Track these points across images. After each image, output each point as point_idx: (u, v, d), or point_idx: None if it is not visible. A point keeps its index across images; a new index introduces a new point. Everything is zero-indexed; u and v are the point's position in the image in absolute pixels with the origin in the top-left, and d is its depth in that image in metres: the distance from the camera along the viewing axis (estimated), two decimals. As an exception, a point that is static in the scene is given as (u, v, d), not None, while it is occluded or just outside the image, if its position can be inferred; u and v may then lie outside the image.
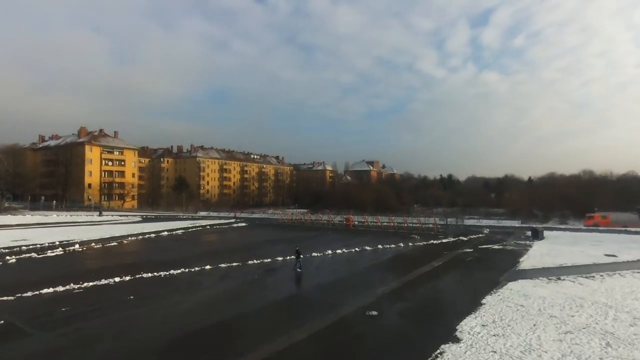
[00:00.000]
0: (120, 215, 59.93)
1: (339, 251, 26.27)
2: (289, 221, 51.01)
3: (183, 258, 23.01)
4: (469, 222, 53.30)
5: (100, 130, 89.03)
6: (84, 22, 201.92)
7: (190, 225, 46.29)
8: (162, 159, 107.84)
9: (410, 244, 30.44)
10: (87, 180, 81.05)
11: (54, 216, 55.42)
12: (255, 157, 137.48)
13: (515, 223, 48.47)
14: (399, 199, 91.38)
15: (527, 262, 22.58)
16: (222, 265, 20.55)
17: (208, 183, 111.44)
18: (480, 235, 37.27)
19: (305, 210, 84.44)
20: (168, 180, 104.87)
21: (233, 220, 55.58)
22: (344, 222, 47.05)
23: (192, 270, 19.20)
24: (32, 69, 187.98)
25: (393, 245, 29.19)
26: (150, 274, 17.79)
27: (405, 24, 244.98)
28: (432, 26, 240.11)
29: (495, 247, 29.59)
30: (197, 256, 23.81)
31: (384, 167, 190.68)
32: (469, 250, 27.69)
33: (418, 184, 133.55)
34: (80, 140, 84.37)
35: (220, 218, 61.21)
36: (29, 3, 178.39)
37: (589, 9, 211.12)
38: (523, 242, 31.96)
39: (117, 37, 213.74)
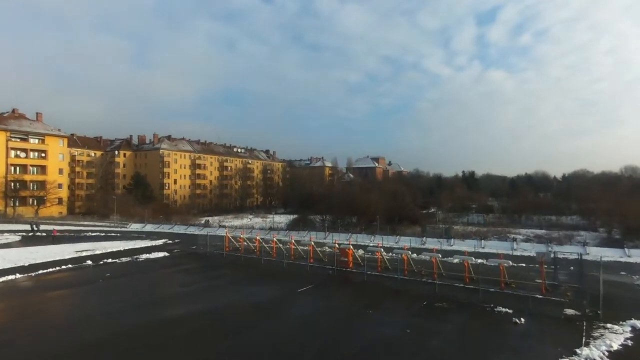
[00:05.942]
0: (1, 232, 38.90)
1: None
2: (241, 249, 29.08)
3: None
4: (556, 247, 32.03)
5: (14, 110, 65.11)
6: (92, 22, 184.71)
7: (72, 256, 26.16)
8: (117, 152, 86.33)
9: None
10: (-16, 178, 58.67)
11: None
12: (240, 150, 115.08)
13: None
14: (415, 202, 69.57)
15: None
16: None
17: (175, 182, 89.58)
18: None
19: (291, 217, 63.28)
20: (125, 179, 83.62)
21: (161, 243, 34.33)
22: (338, 254, 24.80)
23: None
24: (48, 71, 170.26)
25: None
26: None
27: (412, 23, 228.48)
28: (439, 24, 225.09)
29: None
30: None
31: (390, 164, 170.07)
32: None
33: (432, 182, 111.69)
34: (-21, 123, 60.96)
35: (151, 236, 40.09)
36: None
37: (598, 5, 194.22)
38: None
39: (125, 38, 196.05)
